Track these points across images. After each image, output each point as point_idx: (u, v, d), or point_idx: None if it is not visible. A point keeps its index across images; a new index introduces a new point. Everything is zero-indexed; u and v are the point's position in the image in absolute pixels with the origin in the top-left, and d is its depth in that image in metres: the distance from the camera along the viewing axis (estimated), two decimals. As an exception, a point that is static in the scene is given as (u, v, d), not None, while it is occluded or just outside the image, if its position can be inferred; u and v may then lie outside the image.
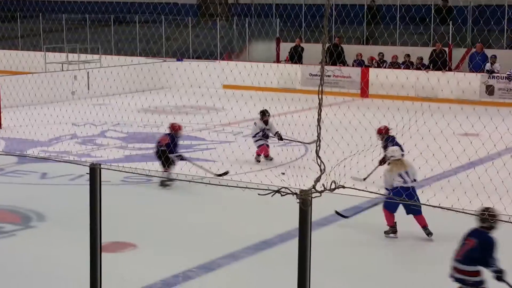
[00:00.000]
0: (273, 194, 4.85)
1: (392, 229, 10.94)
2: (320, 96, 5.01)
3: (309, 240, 4.65)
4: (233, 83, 24.61)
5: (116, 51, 32.34)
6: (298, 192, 4.67)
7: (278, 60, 29.03)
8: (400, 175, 10.80)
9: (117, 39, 33.17)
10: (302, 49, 28.01)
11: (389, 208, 10.85)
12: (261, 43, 30.58)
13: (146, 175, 13.65)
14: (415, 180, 11.01)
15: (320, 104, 5.01)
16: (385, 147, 12.96)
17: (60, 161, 14.51)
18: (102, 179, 5.37)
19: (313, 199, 4.67)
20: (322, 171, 4.89)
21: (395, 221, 10.91)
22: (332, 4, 26.26)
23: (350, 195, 6.22)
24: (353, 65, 26.80)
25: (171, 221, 11.83)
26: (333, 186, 4.85)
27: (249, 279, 9.58)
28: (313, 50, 26.32)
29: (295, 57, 27.70)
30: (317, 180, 4.85)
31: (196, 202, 12.79)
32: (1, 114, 20.09)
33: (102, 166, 5.44)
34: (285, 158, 15.56)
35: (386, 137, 13.24)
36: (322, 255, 9.10)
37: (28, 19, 35.91)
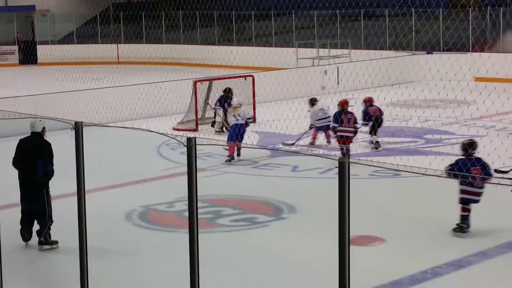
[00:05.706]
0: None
1: (231, 157, 15.60)
2: None
3: None
4: (486, 75, 23.80)
5: (365, 46, 32.52)
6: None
7: (535, 51, 27.63)
8: (234, 116, 15.89)
9: (366, 33, 33.34)
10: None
11: (230, 140, 15.50)
12: (516, 33, 29.29)
13: (394, 169, 13.60)
14: (248, 119, 16.15)
15: None
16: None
17: (310, 155, 14.88)
18: (350, 173, 5.42)
19: None
20: None
21: (234, 151, 15.59)
22: None
23: None
24: None
25: (420, 216, 11.68)
26: None
27: (501, 278, 9.23)
28: None
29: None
30: None
31: (448, 199, 12.51)
32: (255, 109, 20.97)
33: (350, 160, 5.50)
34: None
35: (367, 106, 17.06)
36: None
37: (282, 17, 37.13)
